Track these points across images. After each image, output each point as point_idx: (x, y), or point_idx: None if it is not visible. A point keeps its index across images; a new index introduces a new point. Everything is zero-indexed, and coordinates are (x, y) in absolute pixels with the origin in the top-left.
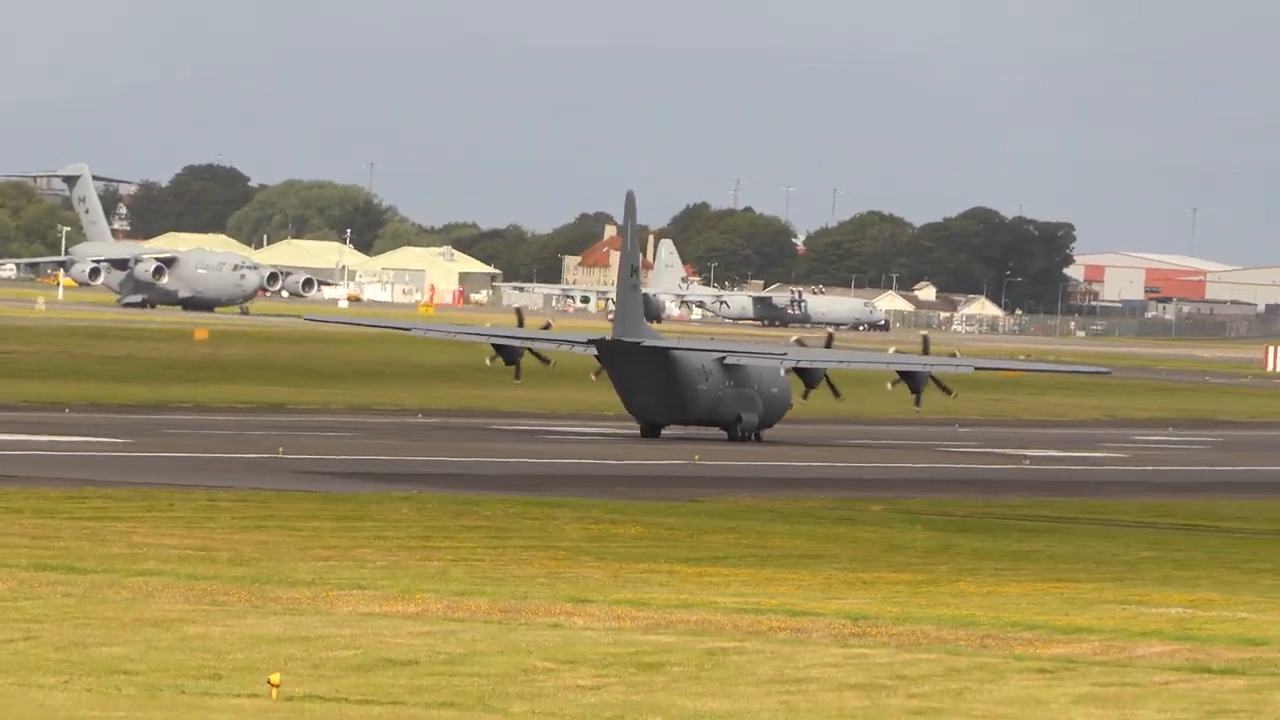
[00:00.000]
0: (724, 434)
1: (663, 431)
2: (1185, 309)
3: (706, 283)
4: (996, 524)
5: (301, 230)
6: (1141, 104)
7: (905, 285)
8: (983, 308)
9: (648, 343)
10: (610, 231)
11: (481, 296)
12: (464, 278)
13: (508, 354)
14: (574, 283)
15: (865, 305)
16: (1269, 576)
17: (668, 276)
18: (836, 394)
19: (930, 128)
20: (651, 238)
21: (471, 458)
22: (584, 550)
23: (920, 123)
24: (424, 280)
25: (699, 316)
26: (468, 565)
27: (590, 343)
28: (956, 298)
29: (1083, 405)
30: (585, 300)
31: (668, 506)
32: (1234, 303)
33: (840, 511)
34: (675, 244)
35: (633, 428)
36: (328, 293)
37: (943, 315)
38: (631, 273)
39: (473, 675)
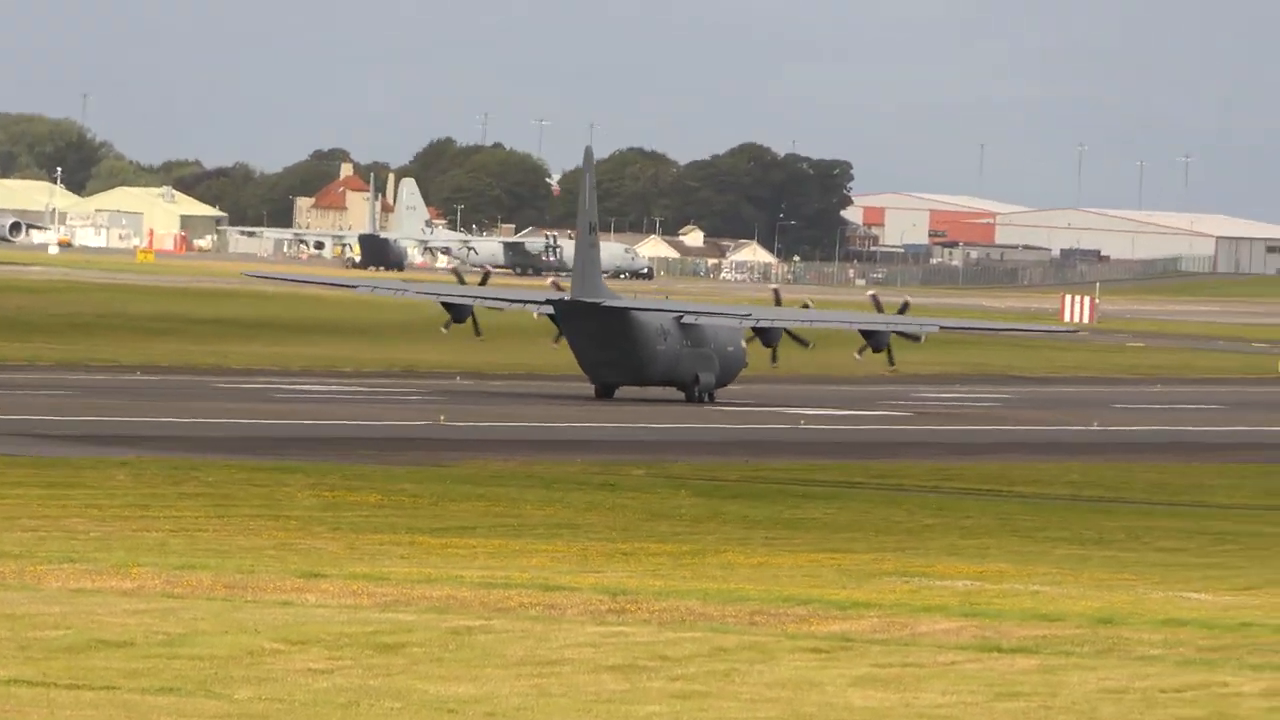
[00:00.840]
0: (680, 395)
1: (615, 393)
2: (973, 254)
3: (453, 226)
4: (768, 489)
5: (8, 169)
6: (924, 36)
7: (670, 230)
8: (754, 254)
9: (608, 303)
10: (346, 170)
11: (205, 242)
12: (186, 221)
13: (457, 312)
14: (307, 226)
15: (627, 252)
16: (1064, 546)
17: (410, 220)
18: (803, 344)
19: (698, 59)
20: (391, 177)
21: (196, 418)
22: (317, 520)
23: (686, 54)
24: (142, 224)
25: (444, 265)
26: (189, 536)
27: (548, 303)
28: (726, 243)
29: (863, 360)
30: (320, 246)
31: (410, 472)
32: (1026, 247)
33: (602, 477)
34: (418, 184)
35: (432, 385)
36: (37, 237)
37: (710, 262)
38: (590, 230)
39: (194, 657)
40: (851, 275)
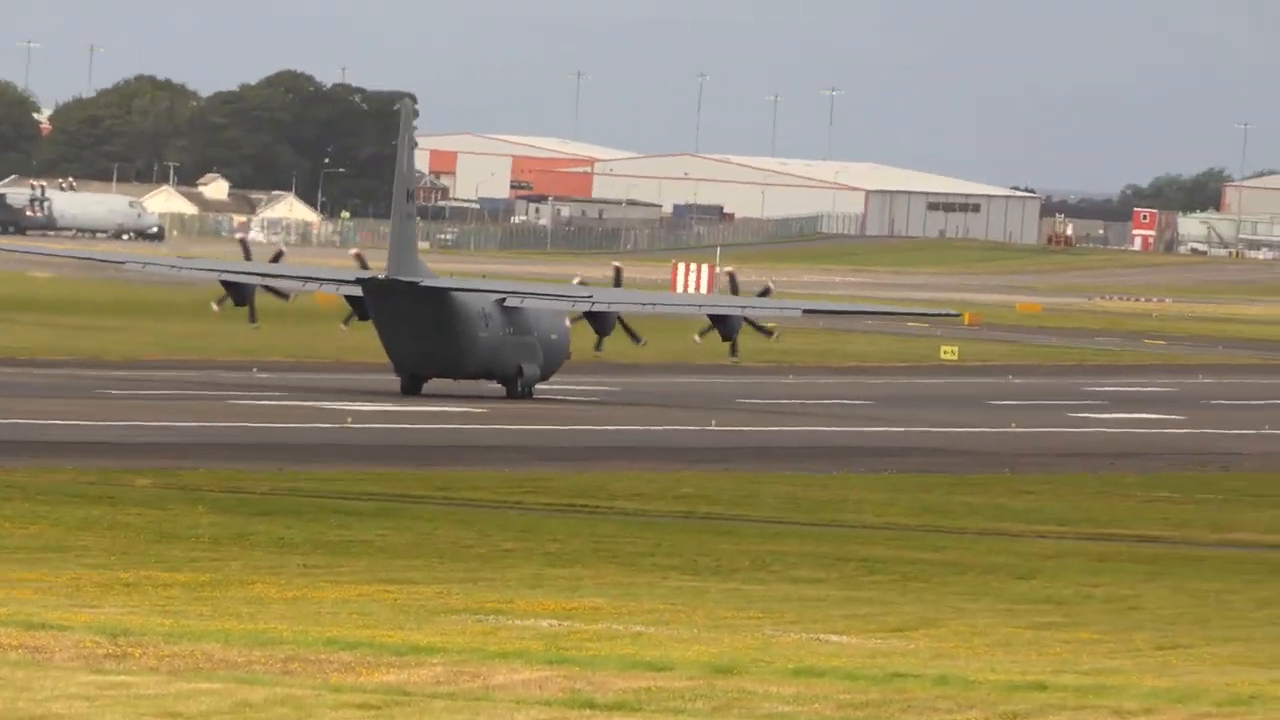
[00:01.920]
0: (501, 389)
1: (424, 387)
2: (565, 211)
3: None
4: (307, 504)
5: None
6: None
7: (187, 179)
8: (291, 209)
9: (426, 283)
10: None
11: None
12: None
13: (238, 293)
14: None
15: (132, 206)
16: (675, 576)
17: None
18: (636, 339)
19: None
20: None
21: None
22: None
23: None
24: None
25: None
26: None
27: (358, 281)
28: (257, 195)
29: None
30: None
31: None
32: (631, 203)
33: (100, 488)
34: None
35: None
36: None
37: (238, 219)
38: (408, 198)
39: None
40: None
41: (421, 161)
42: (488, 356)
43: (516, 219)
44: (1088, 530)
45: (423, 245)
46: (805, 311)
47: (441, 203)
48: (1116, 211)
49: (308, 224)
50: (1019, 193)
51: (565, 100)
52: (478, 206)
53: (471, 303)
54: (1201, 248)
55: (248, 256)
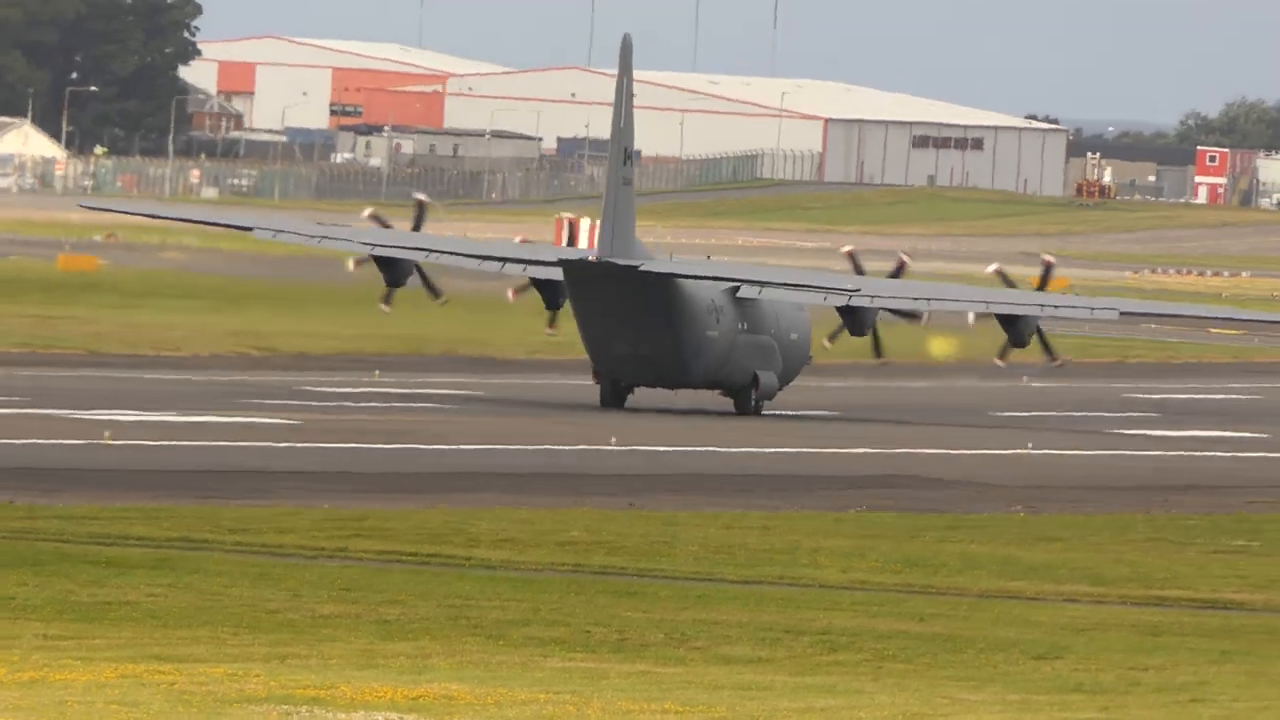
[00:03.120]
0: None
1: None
2: (408, 146)
3: None
4: (50, 552)
5: None
6: None
7: None
8: (26, 142)
9: (647, 267)
10: None
11: None
12: None
13: (393, 272)
14: None
15: None
16: (559, 653)
17: None
18: (879, 353)
19: None
20: None
21: None
22: None
23: None
24: None
25: None
26: None
27: (559, 263)
28: None
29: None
30: None
31: None
32: (498, 134)
33: None
34: None
35: None
36: None
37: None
38: (625, 159)
39: None
40: (196, 181)
41: (208, 77)
42: (718, 362)
43: (339, 157)
44: (1134, 593)
45: (209, 193)
46: (1123, 314)
47: (235, 134)
48: (1174, 152)
49: (49, 161)
50: (1037, 124)
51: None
52: (285, 139)
53: (701, 293)
54: None
55: (385, 226)
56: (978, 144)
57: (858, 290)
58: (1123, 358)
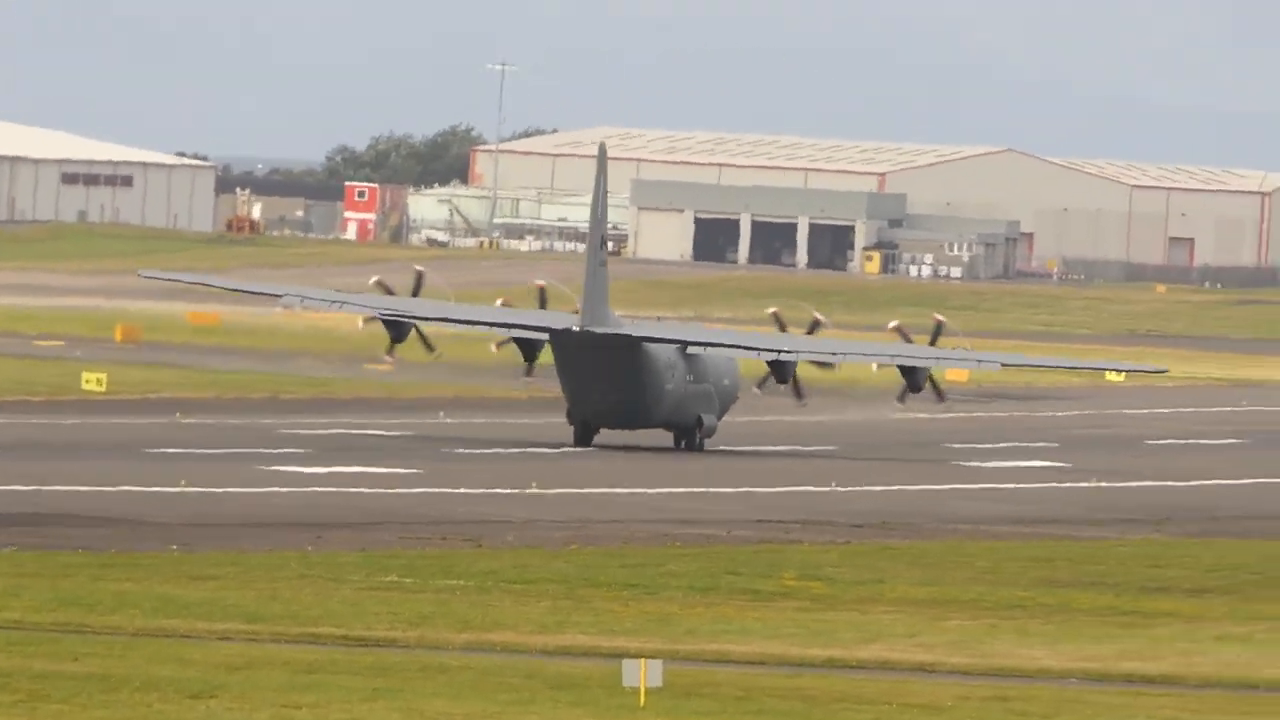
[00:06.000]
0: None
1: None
2: None
3: None
4: None
5: None
6: None
7: None
8: None
9: (621, 333)
10: None
11: None
12: None
13: (397, 331)
14: None
15: None
16: None
17: None
18: (800, 396)
19: None
20: None
21: None
22: None
23: None
24: None
25: None
26: None
27: (546, 330)
28: None
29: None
30: None
31: None
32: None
33: None
34: None
35: None
36: None
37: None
38: (602, 244)
39: None
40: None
41: None
42: (672, 407)
43: None
44: (289, 630)
45: None
46: (1004, 366)
47: None
48: (324, 188)
49: None
50: (187, 160)
51: None
52: None
53: (662, 354)
54: (442, 237)
55: (388, 293)
56: (127, 180)
57: (783, 349)
58: (276, 394)
